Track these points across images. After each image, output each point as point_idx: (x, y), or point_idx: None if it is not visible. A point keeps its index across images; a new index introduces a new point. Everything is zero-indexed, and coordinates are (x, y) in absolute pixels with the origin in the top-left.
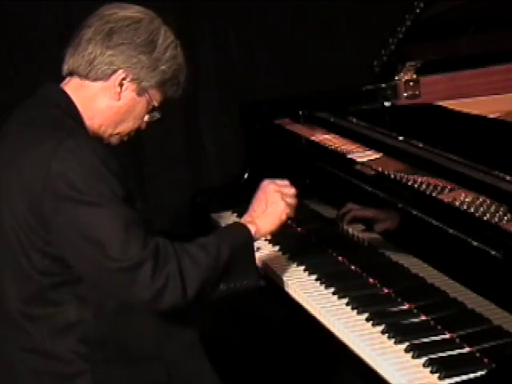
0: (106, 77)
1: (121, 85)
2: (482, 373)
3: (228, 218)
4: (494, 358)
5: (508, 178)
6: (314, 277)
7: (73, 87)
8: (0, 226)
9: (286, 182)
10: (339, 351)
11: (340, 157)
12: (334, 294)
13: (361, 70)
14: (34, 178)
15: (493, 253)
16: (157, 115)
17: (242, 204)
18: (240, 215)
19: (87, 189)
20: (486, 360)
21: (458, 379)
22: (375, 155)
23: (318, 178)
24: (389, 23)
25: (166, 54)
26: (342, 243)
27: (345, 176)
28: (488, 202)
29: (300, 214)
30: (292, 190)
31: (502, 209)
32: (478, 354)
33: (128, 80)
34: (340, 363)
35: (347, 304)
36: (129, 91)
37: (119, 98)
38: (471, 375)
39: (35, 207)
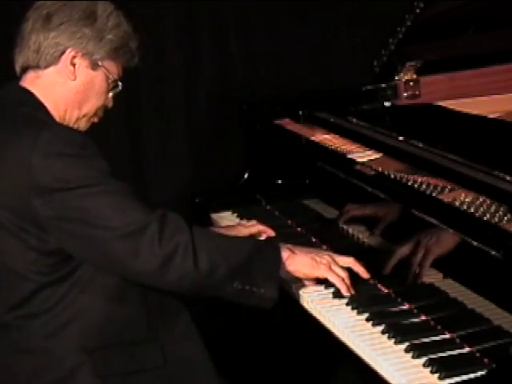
0: (56, 60)
1: (73, 64)
2: (482, 373)
3: (228, 218)
4: (494, 358)
5: (508, 177)
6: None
7: (29, 81)
8: None
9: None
10: (339, 351)
11: (340, 157)
12: (333, 293)
13: (361, 70)
14: (17, 178)
15: (493, 253)
16: (119, 88)
17: (242, 204)
18: (240, 215)
19: (73, 177)
20: (485, 360)
21: (457, 379)
22: (375, 155)
23: (318, 177)
24: (389, 23)
25: (108, 23)
26: (342, 243)
27: (345, 176)
28: (488, 202)
29: (300, 214)
30: (347, 259)
31: (502, 209)
32: (477, 354)
33: (79, 57)
34: (340, 363)
35: (347, 304)
36: (82, 67)
37: (75, 77)
38: (471, 375)
39: (22, 207)
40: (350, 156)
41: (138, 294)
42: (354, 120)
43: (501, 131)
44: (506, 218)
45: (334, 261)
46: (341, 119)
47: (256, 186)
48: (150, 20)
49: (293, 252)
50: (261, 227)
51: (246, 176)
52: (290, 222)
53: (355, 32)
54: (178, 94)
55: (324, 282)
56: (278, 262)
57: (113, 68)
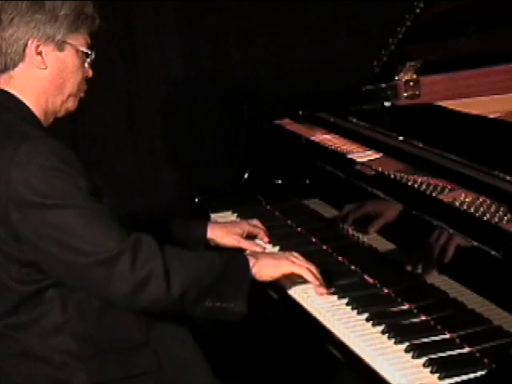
0: (21, 56)
1: (39, 53)
2: (482, 373)
3: (228, 218)
4: (494, 358)
5: (508, 177)
6: None
7: (5, 83)
8: None
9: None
10: (339, 351)
11: (340, 157)
12: (333, 293)
13: (361, 70)
14: None
15: (493, 253)
16: (92, 56)
17: (242, 204)
18: (240, 215)
19: (51, 191)
20: (485, 360)
21: (457, 379)
22: (375, 155)
23: (317, 177)
24: (389, 23)
25: (57, 0)
26: (342, 243)
27: (345, 176)
28: (488, 202)
29: (300, 214)
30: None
31: (502, 209)
32: (478, 354)
33: (42, 44)
34: (340, 363)
35: (347, 304)
36: (50, 54)
37: (46, 65)
38: (471, 375)
39: (2, 220)
40: (349, 156)
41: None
42: (354, 120)
43: (501, 131)
44: (506, 218)
45: (294, 256)
46: (341, 119)
47: (256, 186)
48: (150, 20)
49: (256, 259)
50: (263, 231)
51: (246, 176)
52: (289, 221)
53: (355, 32)
54: (178, 93)
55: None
56: (246, 274)
57: (79, 40)
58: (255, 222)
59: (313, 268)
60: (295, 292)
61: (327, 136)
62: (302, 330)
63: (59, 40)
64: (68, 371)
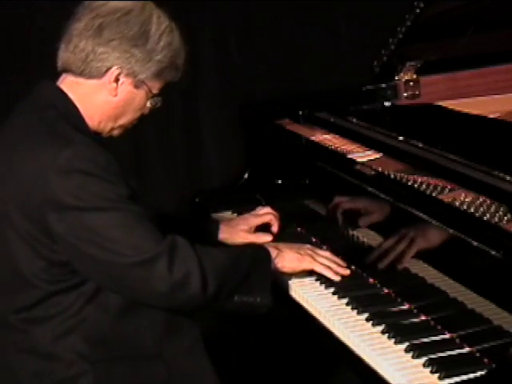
0: (100, 75)
1: (117, 80)
2: (482, 373)
3: (228, 218)
4: (494, 358)
5: (508, 177)
6: (313, 277)
7: (69, 85)
8: (2, 236)
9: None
10: (339, 351)
11: (340, 157)
12: (333, 294)
13: (361, 70)
14: (33, 191)
15: (493, 253)
16: (159, 102)
17: (242, 204)
18: (240, 215)
19: (89, 195)
20: (485, 360)
21: (457, 379)
22: (375, 155)
23: (318, 177)
24: (389, 23)
25: (160, 43)
26: (342, 243)
27: (345, 176)
28: (488, 202)
29: (300, 214)
30: (326, 253)
31: (501, 209)
32: (478, 354)
33: (123, 75)
34: (340, 363)
35: (347, 304)
36: (125, 85)
37: (116, 94)
38: (471, 375)
39: (37, 218)
40: (349, 156)
41: (145, 309)
42: (354, 120)
43: (501, 131)
44: (506, 218)
45: (316, 253)
46: (341, 119)
47: (256, 186)
48: None
49: (279, 250)
50: (273, 216)
51: (246, 176)
52: (290, 222)
53: (355, 32)
54: (178, 93)
55: (324, 283)
56: (269, 267)
57: (156, 85)
58: (263, 210)
59: (330, 263)
60: (295, 292)
61: (327, 136)
62: (301, 329)
63: (140, 79)
64: (75, 371)
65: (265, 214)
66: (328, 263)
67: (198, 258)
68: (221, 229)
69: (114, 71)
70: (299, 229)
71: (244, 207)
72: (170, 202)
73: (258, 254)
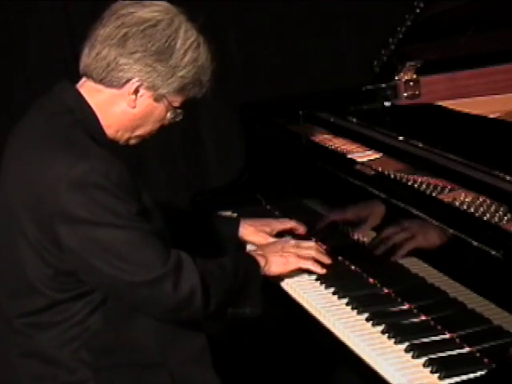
0: (119, 85)
1: (136, 91)
2: (482, 373)
3: None
4: (494, 358)
5: (508, 177)
6: (313, 277)
7: (88, 91)
8: (6, 244)
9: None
10: (339, 351)
11: (340, 157)
12: (334, 293)
13: (361, 70)
14: (45, 200)
15: (493, 253)
16: (180, 115)
17: (242, 204)
18: (240, 215)
19: (101, 211)
20: (485, 360)
21: (457, 379)
22: (375, 155)
23: (318, 178)
24: (389, 23)
25: (184, 59)
26: (342, 243)
27: (345, 176)
28: (488, 202)
29: (300, 214)
30: (310, 243)
31: (501, 209)
32: (478, 354)
33: (143, 87)
34: (340, 363)
35: (347, 304)
36: (145, 98)
37: (135, 106)
38: (471, 375)
39: (46, 228)
40: (350, 156)
41: (150, 319)
42: (354, 120)
43: (501, 131)
44: (506, 217)
45: (299, 247)
46: (341, 119)
47: (256, 186)
48: None
49: (266, 257)
50: (293, 224)
51: (246, 176)
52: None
53: (355, 32)
54: None
55: (324, 283)
56: (259, 277)
57: (177, 99)
58: (288, 222)
59: (317, 253)
60: (295, 292)
61: (327, 136)
62: (301, 329)
63: (161, 93)
64: (77, 377)
65: (285, 221)
66: (314, 254)
67: (200, 274)
68: (242, 225)
69: (134, 83)
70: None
71: (244, 207)
72: (169, 202)
73: (250, 266)
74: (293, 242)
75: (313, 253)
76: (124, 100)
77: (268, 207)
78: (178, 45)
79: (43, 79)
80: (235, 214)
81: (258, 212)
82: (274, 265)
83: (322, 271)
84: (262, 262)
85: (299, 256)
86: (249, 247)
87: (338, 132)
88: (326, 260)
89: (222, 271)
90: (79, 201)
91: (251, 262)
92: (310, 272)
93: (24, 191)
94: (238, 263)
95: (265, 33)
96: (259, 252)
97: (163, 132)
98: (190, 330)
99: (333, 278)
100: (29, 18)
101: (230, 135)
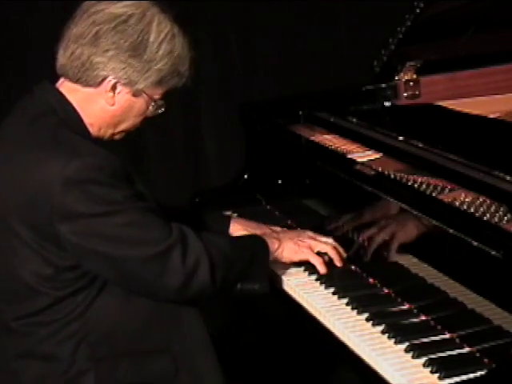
0: (96, 84)
1: (114, 88)
2: (482, 373)
3: None
4: (494, 358)
5: (508, 177)
6: (313, 277)
7: (67, 90)
8: (3, 248)
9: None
10: (339, 351)
11: (340, 157)
12: (334, 294)
13: (361, 70)
14: (40, 202)
15: (493, 253)
16: (162, 106)
17: (242, 204)
18: (240, 215)
19: (99, 203)
20: (485, 360)
21: (457, 379)
22: (375, 155)
23: (318, 177)
24: (389, 23)
25: (159, 52)
26: (342, 243)
27: (345, 176)
28: (488, 202)
29: (300, 214)
30: (328, 239)
31: (501, 209)
32: (478, 354)
33: (120, 84)
34: (340, 363)
35: (347, 304)
36: (123, 94)
37: (114, 103)
38: (471, 375)
39: (44, 228)
40: (349, 156)
41: (150, 306)
42: (354, 120)
43: (501, 131)
44: (506, 218)
45: (316, 240)
46: (341, 119)
47: (256, 186)
48: None
49: (280, 241)
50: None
51: (245, 176)
52: (289, 221)
53: (355, 31)
54: (178, 93)
55: (324, 283)
56: (268, 257)
57: (157, 92)
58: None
59: (332, 250)
60: (295, 291)
61: (327, 136)
62: (301, 329)
63: (138, 88)
64: (77, 369)
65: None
66: (329, 250)
67: (204, 245)
68: (234, 224)
69: (111, 81)
70: (299, 229)
71: (244, 207)
72: (170, 202)
73: (258, 244)
74: (310, 233)
75: (328, 249)
76: (102, 98)
77: (268, 207)
78: (152, 38)
79: (43, 79)
80: (235, 214)
81: (258, 212)
82: (287, 250)
83: (325, 272)
84: (275, 244)
85: (313, 248)
86: None
87: (338, 132)
88: (338, 260)
89: (226, 243)
90: (76, 197)
91: (260, 242)
92: (310, 272)
93: (14, 194)
94: (244, 240)
95: (265, 33)
96: (274, 235)
97: (163, 132)
98: (194, 318)
99: (333, 278)
100: (29, 18)
101: (230, 135)
